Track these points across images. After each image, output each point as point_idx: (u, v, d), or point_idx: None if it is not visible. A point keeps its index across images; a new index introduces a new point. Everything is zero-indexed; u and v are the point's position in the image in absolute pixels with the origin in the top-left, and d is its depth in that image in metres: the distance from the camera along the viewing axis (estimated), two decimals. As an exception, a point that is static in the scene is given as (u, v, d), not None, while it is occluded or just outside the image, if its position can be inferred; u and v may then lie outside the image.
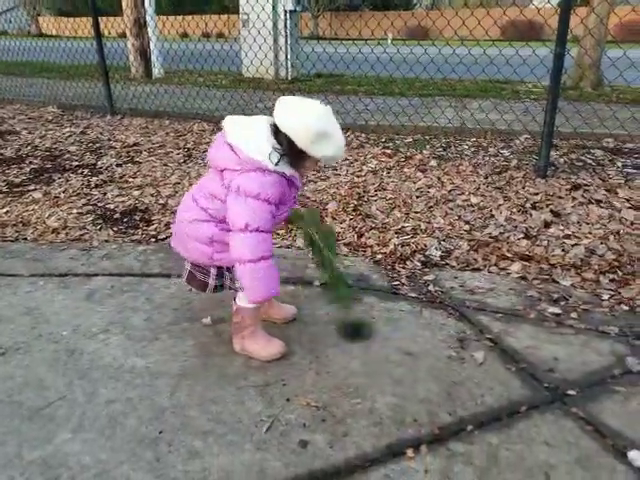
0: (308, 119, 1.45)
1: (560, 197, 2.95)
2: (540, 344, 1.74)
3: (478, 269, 2.31)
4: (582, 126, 4.11)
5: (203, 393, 1.54)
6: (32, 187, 3.54)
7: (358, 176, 3.55)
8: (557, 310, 1.94)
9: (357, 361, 1.68)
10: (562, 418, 1.39)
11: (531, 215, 2.75)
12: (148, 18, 9.24)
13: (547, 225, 2.64)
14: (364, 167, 3.74)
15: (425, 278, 2.23)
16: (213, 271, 1.67)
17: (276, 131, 1.50)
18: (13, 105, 6.93)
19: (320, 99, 1.53)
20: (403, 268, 2.34)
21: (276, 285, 1.58)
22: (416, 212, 2.92)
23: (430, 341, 1.77)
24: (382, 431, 1.37)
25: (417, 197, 3.13)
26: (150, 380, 1.60)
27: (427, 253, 2.46)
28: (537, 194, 3.00)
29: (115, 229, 2.86)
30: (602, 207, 2.79)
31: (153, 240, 2.72)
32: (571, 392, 1.49)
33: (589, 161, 3.57)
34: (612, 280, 2.14)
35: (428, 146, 4.25)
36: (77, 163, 4.05)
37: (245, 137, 1.51)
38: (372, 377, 1.59)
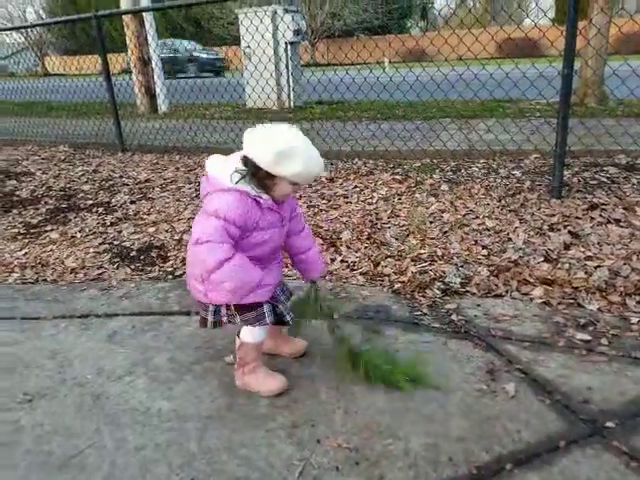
0: (268, 141, 1.48)
1: (577, 218, 2.92)
2: (572, 373, 1.71)
3: (500, 295, 2.29)
4: (592, 143, 4.11)
5: (232, 436, 1.52)
6: (49, 227, 3.57)
7: (369, 203, 3.56)
8: (586, 336, 1.91)
9: (384, 398, 1.65)
10: (603, 453, 1.35)
11: (549, 237, 2.73)
12: (152, 52, 9.44)
13: (567, 247, 2.62)
14: (375, 194, 3.74)
15: (447, 307, 2.20)
16: (211, 307, 1.67)
17: (245, 158, 1.54)
18: (25, 146, 7.05)
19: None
20: (423, 297, 2.32)
21: (255, 276, 1.57)
22: (431, 238, 2.90)
23: (458, 374, 1.74)
24: (418, 473, 1.34)
25: (431, 222, 3.12)
26: (178, 424, 1.58)
27: (446, 280, 2.44)
28: (553, 215, 2.98)
29: (132, 267, 2.87)
30: (622, 226, 2.76)
31: (170, 277, 2.73)
32: (610, 424, 1.45)
33: (603, 179, 3.55)
34: (639, 302, 2.11)
35: (437, 170, 4.25)
36: (91, 202, 4.10)
37: (216, 166, 1.59)
38: (402, 415, 1.56)
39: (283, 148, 1.46)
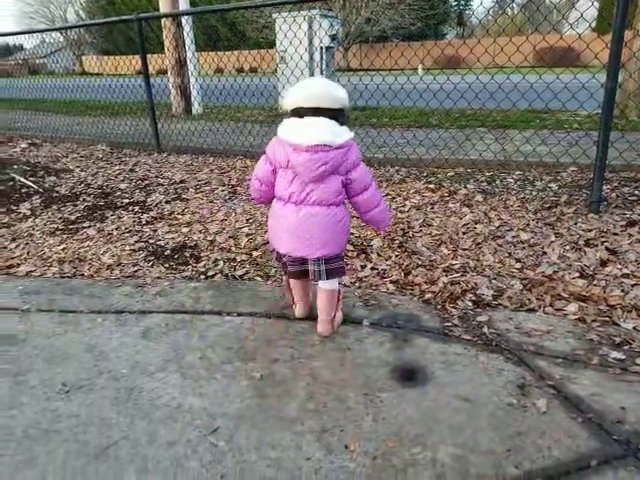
0: (337, 85, 1.93)
1: (615, 234, 2.87)
2: (605, 392, 1.68)
3: (533, 310, 2.26)
4: (633, 158, 4.02)
5: (261, 436, 1.54)
6: (86, 224, 3.68)
7: (402, 211, 3.55)
8: (620, 355, 1.87)
9: (413, 407, 1.65)
10: (638, 475, 1.33)
11: (585, 253, 2.68)
12: (190, 55, 9.63)
13: (603, 263, 2.57)
14: (407, 202, 3.74)
15: (478, 319, 2.19)
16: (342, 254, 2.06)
17: (330, 112, 1.86)
18: (65, 143, 7.28)
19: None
20: (454, 308, 2.30)
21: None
22: (464, 249, 2.88)
23: (489, 387, 1.73)
24: (446, 483, 1.34)
25: (464, 233, 3.10)
26: (208, 421, 1.61)
27: (478, 292, 2.42)
28: (590, 231, 2.93)
29: (166, 265, 2.93)
30: (660, 245, 2.70)
31: (203, 277, 2.77)
32: (644, 446, 1.43)
33: (643, 195, 3.48)
34: (677, 323, 2.06)
35: (472, 180, 4.22)
36: (128, 200, 4.21)
37: (325, 131, 1.84)
38: (430, 424, 1.56)
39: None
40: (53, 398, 1.75)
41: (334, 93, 1.86)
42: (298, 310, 2.24)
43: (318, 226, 1.91)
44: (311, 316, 2.25)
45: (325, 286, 2.05)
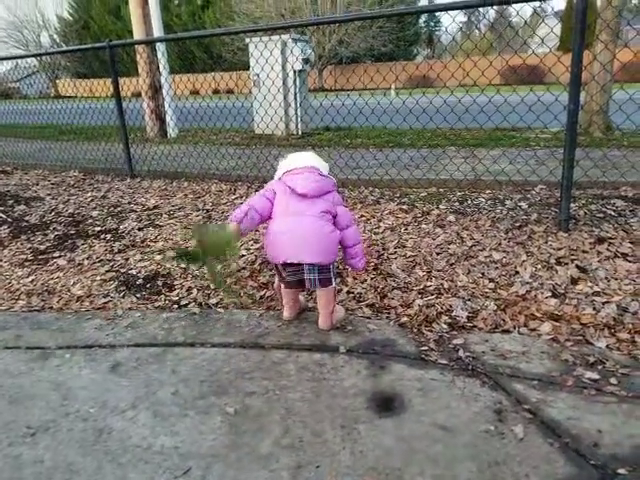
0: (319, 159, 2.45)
1: (585, 251, 2.91)
2: (581, 415, 1.68)
3: (507, 331, 2.27)
4: (598, 174, 4.12)
5: (235, 476, 1.49)
6: (57, 254, 3.59)
7: (376, 233, 3.56)
8: (595, 375, 1.88)
9: (391, 437, 1.62)
10: (615, 501, 1.32)
11: (557, 271, 2.72)
12: (163, 80, 9.61)
13: (574, 282, 2.60)
14: (381, 224, 3.75)
15: (454, 342, 2.18)
16: (332, 267, 2.29)
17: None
18: (36, 170, 7.14)
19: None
20: (430, 331, 2.30)
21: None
22: (438, 270, 2.89)
23: (466, 414, 1.71)
24: (425, 519, 1.31)
25: (438, 254, 3.11)
26: (180, 462, 1.56)
27: (453, 314, 2.42)
28: (561, 249, 2.97)
29: (138, 295, 2.87)
30: (629, 261, 2.74)
31: (175, 307, 2.72)
32: (622, 471, 1.42)
33: (610, 212, 3.55)
34: (649, 340, 2.08)
35: (444, 200, 4.26)
36: (100, 228, 4.13)
37: (314, 160, 2.39)
38: (408, 456, 1.54)
39: None
40: (16, 443, 1.67)
41: (321, 160, 2.41)
42: (285, 313, 2.48)
43: (317, 236, 2.21)
44: (287, 344, 2.23)
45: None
